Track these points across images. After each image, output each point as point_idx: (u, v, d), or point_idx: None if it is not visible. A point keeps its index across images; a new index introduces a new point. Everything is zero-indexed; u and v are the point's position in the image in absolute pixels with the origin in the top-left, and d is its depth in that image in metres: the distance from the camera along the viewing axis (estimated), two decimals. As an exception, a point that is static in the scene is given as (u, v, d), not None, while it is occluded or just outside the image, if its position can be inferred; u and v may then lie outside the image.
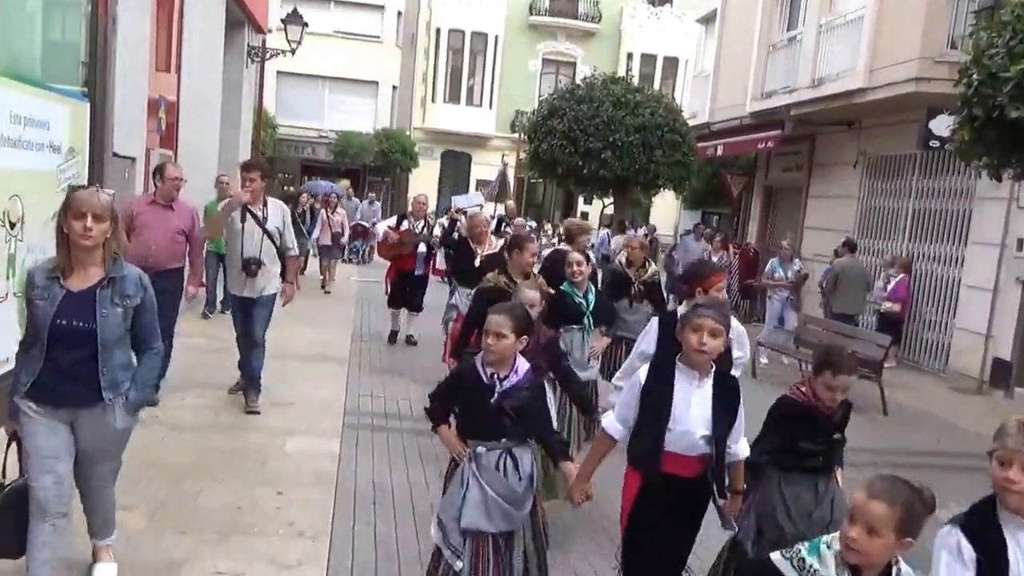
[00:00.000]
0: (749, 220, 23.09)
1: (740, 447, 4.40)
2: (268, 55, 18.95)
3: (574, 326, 7.01)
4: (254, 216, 8.14)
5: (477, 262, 9.72)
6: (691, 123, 21.72)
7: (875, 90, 15.01)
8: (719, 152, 21.54)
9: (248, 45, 17.17)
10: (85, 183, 8.22)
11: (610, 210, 24.56)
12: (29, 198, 6.73)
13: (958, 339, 14.19)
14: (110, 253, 4.21)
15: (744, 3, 21.41)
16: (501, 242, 10.25)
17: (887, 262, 15.36)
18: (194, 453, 6.84)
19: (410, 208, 13.06)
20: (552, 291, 7.00)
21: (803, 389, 4.56)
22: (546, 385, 5.72)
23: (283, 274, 8.44)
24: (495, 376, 4.30)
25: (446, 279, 12.56)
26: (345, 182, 37.56)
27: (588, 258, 7.62)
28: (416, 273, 12.42)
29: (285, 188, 34.57)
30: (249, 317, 8.33)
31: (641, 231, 23.69)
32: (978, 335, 13.55)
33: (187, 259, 8.31)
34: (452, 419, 4.58)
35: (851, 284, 14.30)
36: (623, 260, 9.65)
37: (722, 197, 25.12)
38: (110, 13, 8.73)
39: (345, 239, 19.28)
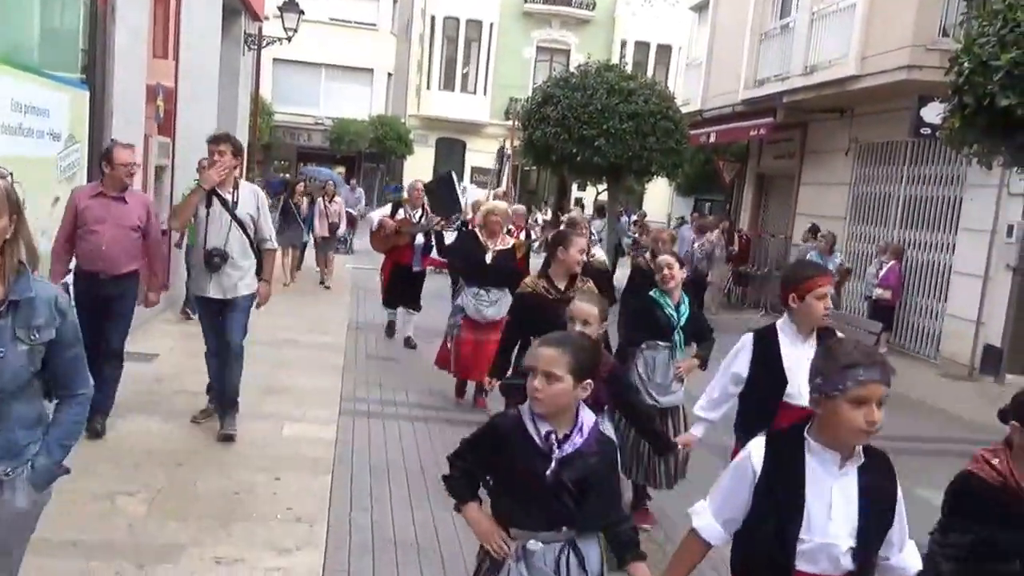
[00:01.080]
0: (741, 207, 23.11)
1: (908, 557, 3.01)
2: (265, 42, 18.90)
3: (660, 342, 6.03)
4: (221, 200, 6.85)
5: (488, 258, 8.61)
6: (684, 110, 21.61)
7: (867, 77, 14.99)
8: (712, 139, 21.52)
9: (245, 32, 17.11)
10: (85, 171, 8.25)
11: (604, 197, 24.48)
12: (29, 186, 6.71)
13: (949, 325, 14.22)
14: (12, 264, 2.88)
15: (737, -9, 21.36)
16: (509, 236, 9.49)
17: (880, 248, 15.41)
18: (192, 440, 6.84)
19: (405, 195, 11.99)
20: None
21: (996, 463, 3.20)
22: (607, 418, 5.00)
23: (259, 271, 7.16)
24: (552, 436, 3.01)
25: (442, 270, 11.88)
26: (340, 169, 37.55)
27: (681, 262, 6.38)
28: (414, 269, 11.44)
29: (281, 175, 34.45)
30: (222, 323, 7.09)
31: (632, 218, 23.58)
32: (969, 322, 13.59)
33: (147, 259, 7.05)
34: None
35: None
36: (647, 256, 8.38)
37: (715, 184, 25.11)
38: (109, 1, 8.71)
39: (343, 230, 18.06)
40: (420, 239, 11.33)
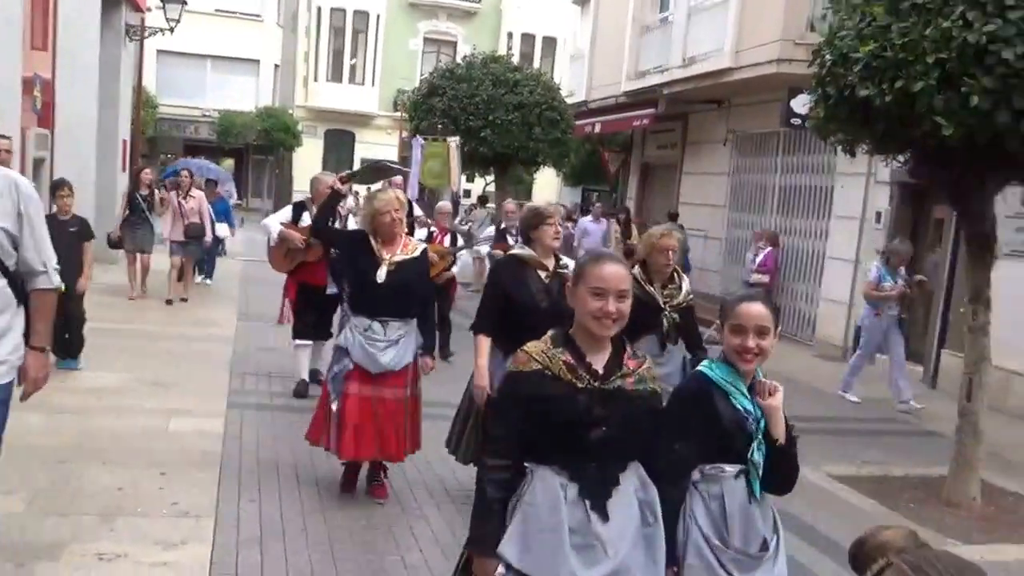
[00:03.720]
0: (626, 196, 23.46)
1: None
2: (147, 33, 18.51)
3: (727, 467, 3.20)
4: None
5: (382, 274, 5.72)
6: (569, 101, 21.85)
7: (741, 70, 15.40)
8: (597, 130, 21.80)
9: (126, 24, 16.74)
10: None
11: (491, 187, 24.55)
12: None
13: (823, 309, 14.69)
14: None
15: (618, -16, 21.67)
16: (420, 240, 6.97)
17: (756, 235, 15.84)
18: (75, 436, 6.69)
19: (310, 194, 8.77)
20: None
21: None
22: None
23: (27, 330, 4.03)
24: None
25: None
26: (228, 162, 36.92)
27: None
28: (329, 292, 8.16)
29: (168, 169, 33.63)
30: None
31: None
32: (841, 304, 14.06)
33: None
34: None
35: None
36: (638, 272, 5.85)
37: (601, 174, 25.44)
38: (-21, -9, 8.46)
39: (211, 235, 14.10)
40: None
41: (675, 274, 6.00)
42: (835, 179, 14.53)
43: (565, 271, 5.34)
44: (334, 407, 5.80)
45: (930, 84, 5.82)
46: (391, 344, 5.73)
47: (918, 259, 12.67)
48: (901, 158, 7.26)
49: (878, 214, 13.39)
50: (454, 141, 15.44)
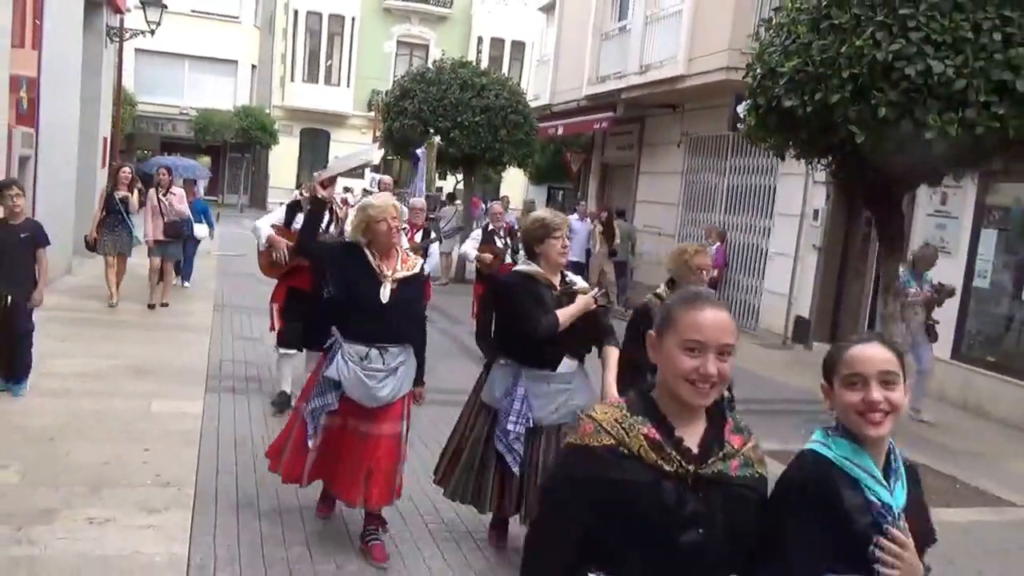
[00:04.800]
0: (588, 195, 23.85)
1: None
2: (127, 35, 18.61)
3: None
4: None
5: (385, 294, 4.84)
6: (533, 104, 22.19)
7: (692, 77, 15.77)
8: (559, 132, 22.16)
9: (107, 25, 16.87)
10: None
11: (460, 185, 24.87)
12: None
13: (766, 301, 15.16)
14: None
15: (580, -7, 22.02)
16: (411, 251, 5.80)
17: (706, 231, 16.28)
18: (64, 416, 6.96)
19: (304, 192, 7.87)
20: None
21: None
22: None
23: None
24: None
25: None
26: (205, 159, 36.98)
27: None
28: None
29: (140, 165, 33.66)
30: None
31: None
32: (782, 296, 14.53)
33: None
34: None
35: (621, 239, 16.72)
36: (664, 291, 5.30)
37: (564, 173, 25.82)
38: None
39: (190, 230, 13.17)
40: None
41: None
42: (777, 179, 14.98)
43: (574, 288, 4.91)
44: (311, 444, 4.98)
45: (845, 96, 6.24)
46: (390, 374, 4.83)
47: (852, 252, 13.17)
48: (823, 162, 7.67)
49: (815, 212, 13.87)
50: (436, 138, 16.00)
